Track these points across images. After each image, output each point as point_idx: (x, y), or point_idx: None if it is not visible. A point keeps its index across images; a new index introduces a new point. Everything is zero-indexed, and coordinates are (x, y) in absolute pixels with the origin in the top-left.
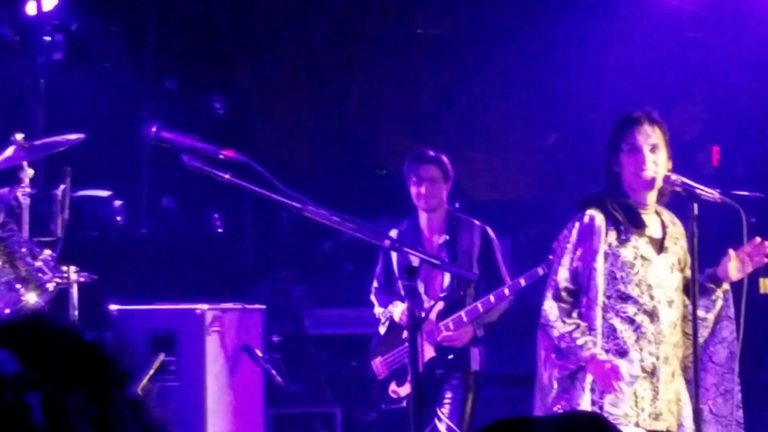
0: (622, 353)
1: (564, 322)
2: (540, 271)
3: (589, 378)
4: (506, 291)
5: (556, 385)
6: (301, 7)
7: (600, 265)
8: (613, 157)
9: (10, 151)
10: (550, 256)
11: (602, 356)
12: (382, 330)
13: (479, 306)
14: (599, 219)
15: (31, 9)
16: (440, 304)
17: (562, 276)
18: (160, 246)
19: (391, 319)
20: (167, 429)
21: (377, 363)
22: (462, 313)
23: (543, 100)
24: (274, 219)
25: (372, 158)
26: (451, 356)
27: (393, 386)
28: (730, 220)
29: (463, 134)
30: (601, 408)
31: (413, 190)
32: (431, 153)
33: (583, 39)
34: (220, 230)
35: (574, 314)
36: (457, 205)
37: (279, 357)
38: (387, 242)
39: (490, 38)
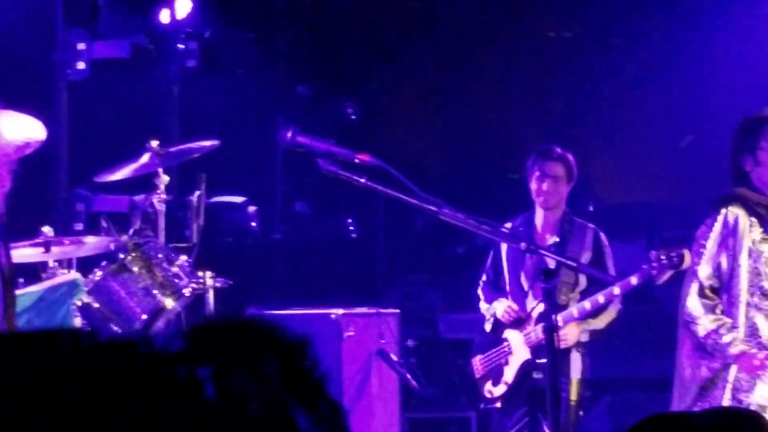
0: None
1: (709, 319)
2: (652, 270)
3: (732, 377)
4: (616, 290)
5: (697, 386)
6: (432, 12)
7: (744, 261)
8: (748, 156)
9: (145, 158)
10: (673, 255)
11: (752, 351)
12: (487, 327)
13: (587, 304)
14: (742, 216)
15: (164, 17)
16: (542, 306)
17: (705, 273)
18: (294, 251)
19: (494, 317)
20: (340, 415)
21: (476, 361)
22: (573, 309)
23: (677, 101)
24: (407, 223)
25: (504, 162)
26: (545, 360)
27: (488, 385)
28: None
29: (595, 137)
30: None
31: (534, 185)
32: (558, 150)
33: (715, 40)
34: (353, 235)
35: (718, 311)
36: (590, 208)
37: (414, 361)
38: (523, 244)
39: (622, 41)
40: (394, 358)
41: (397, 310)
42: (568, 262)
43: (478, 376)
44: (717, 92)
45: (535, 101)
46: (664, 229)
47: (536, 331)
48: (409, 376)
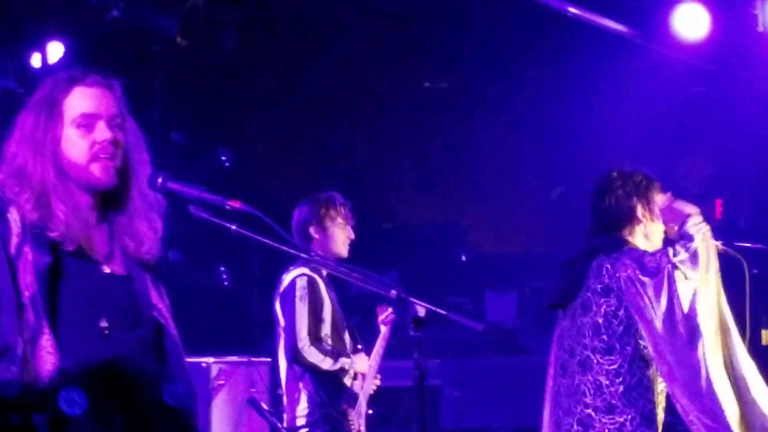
0: None
1: None
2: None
3: None
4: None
5: None
6: (308, 60)
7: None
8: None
9: None
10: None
11: None
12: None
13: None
14: None
15: (36, 61)
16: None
17: None
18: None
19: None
20: None
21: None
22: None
23: (548, 153)
24: (281, 271)
25: (378, 211)
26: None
27: None
28: (733, 271)
29: (469, 188)
30: None
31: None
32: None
33: (588, 93)
34: (226, 283)
35: None
36: (463, 257)
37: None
38: (393, 292)
39: (496, 92)
40: (265, 407)
41: (269, 359)
42: (438, 310)
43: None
44: (590, 144)
45: (410, 151)
46: (535, 280)
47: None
48: (279, 425)
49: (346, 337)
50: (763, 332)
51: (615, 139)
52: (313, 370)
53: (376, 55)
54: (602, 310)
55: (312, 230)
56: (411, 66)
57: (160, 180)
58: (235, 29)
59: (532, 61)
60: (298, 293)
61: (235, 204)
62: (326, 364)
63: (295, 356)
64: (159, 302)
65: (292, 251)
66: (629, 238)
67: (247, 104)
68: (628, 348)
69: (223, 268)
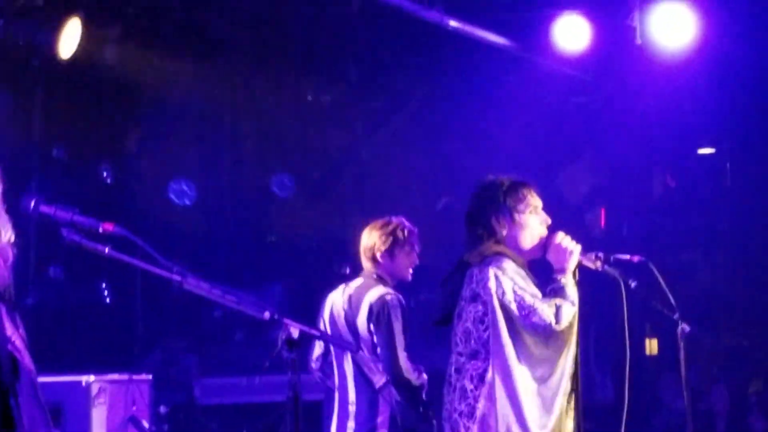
0: None
1: None
2: None
3: None
4: None
5: None
6: (191, 71)
7: None
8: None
9: None
10: None
11: None
12: None
13: None
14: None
15: None
16: None
17: None
18: (48, 317)
19: None
20: None
21: None
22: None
23: (432, 165)
24: (163, 288)
25: (262, 224)
26: None
27: None
28: (614, 283)
29: (353, 200)
30: None
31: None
32: None
33: (471, 104)
34: (108, 300)
35: None
36: (347, 270)
37: (166, 428)
38: (267, 314)
39: (380, 105)
40: (146, 424)
41: (149, 376)
42: (311, 331)
43: None
44: (474, 155)
45: (293, 164)
46: (420, 292)
47: None
48: None
49: None
50: (647, 341)
51: (499, 150)
52: (407, 387)
53: (259, 69)
54: (471, 316)
55: (380, 255)
56: (294, 79)
57: (32, 203)
58: (115, 43)
59: (415, 73)
60: (392, 312)
61: (108, 227)
62: (415, 379)
63: (398, 375)
64: (14, 334)
65: (164, 273)
66: (496, 247)
67: (128, 119)
68: (492, 353)
69: (104, 285)
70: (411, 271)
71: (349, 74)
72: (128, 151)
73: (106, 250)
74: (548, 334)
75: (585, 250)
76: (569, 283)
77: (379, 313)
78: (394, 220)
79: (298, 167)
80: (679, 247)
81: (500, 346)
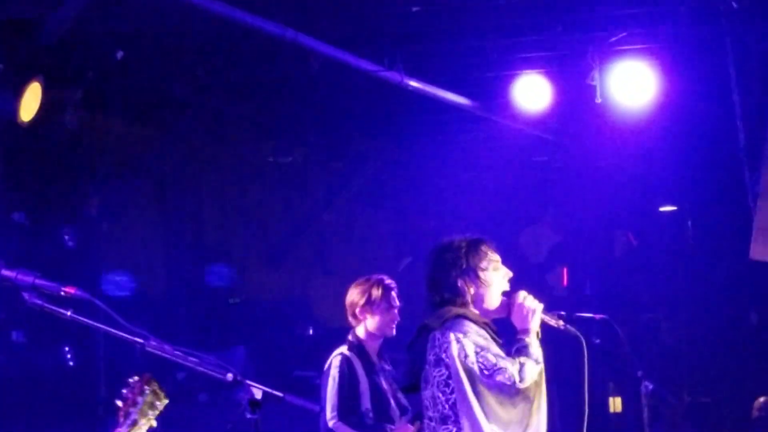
0: None
1: None
2: None
3: None
4: None
5: None
6: (149, 138)
7: None
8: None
9: None
10: None
11: None
12: None
13: None
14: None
15: None
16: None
17: None
18: (10, 381)
19: None
20: None
21: None
22: None
23: (393, 225)
24: (126, 350)
25: (225, 287)
26: None
27: None
28: (576, 341)
29: (314, 261)
30: None
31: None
32: None
33: (432, 164)
34: (71, 363)
35: None
36: (310, 332)
37: None
38: (230, 376)
39: (339, 166)
40: None
41: None
42: (274, 392)
43: None
44: (436, 215)
45: (255, 225)
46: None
47: None
48: None
49: (393, 408)
50: (611, 400)
51: (459, 209)
52: None
53: (218, 131)
54: (436, 380)
55: (358, 312)
56: (254, 141)
57: None
58: (74, 108)
59: (375, 134)
60: (332, 372)
61: (70, 290)
62: None
63: (325, 429)
64: None
65: (127, 336)
66: (457, 310)
67: (89, 183)
68: (461, 416)
69: (67, 348)
70: (393, 326)
71: (309, 136)
72: (89, 215)
73: (69, 313)
74: (513, 393)
75: (547, 309)
76: (533, 342)
77: (325, 374)
78: (373, 277)
79: (259, 228)
80: (642, 305)
81: (468, 408)
